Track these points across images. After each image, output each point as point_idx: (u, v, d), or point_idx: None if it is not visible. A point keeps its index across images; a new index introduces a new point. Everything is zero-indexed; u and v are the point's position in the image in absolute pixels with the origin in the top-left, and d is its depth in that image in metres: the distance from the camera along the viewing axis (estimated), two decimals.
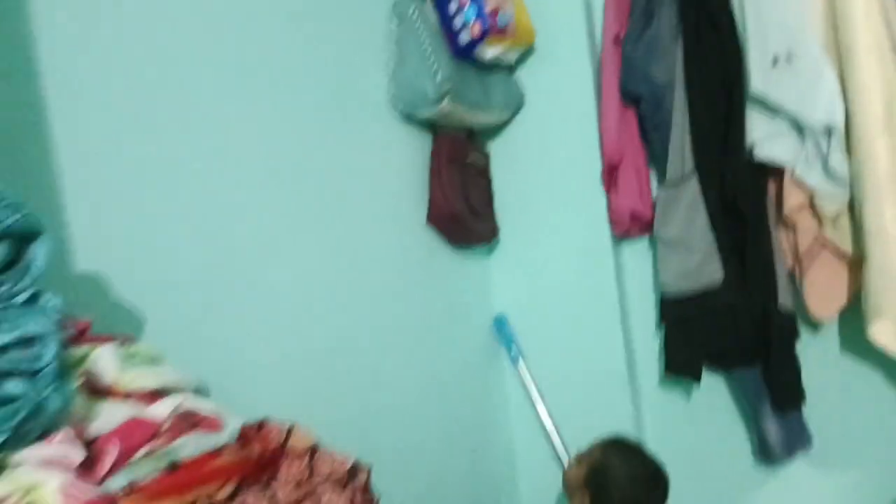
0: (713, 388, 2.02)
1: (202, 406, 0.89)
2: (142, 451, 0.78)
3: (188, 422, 0.85)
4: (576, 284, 2.09)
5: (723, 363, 1.94)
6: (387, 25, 1.92)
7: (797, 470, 1.94)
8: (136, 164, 1.25)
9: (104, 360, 0.89)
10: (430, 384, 1.92)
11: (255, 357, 1.40)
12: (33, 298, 0.84)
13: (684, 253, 1.88)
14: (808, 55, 1.71)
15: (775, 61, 1.74)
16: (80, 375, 0.84)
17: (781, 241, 1.85)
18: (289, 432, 0.91)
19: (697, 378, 1.93)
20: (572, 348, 2.10)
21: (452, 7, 1.89)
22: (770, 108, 1.75)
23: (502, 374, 2.21)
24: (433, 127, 2.02)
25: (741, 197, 1.83)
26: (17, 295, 0.83)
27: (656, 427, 2.06)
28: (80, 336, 0.89)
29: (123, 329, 1.08)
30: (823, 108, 1.69)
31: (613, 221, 2.03)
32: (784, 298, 1.81)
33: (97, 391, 0.87)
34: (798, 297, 1.83)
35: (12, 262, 0.85)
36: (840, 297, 1.79)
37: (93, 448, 0.77)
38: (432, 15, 1.92)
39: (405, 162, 1.94)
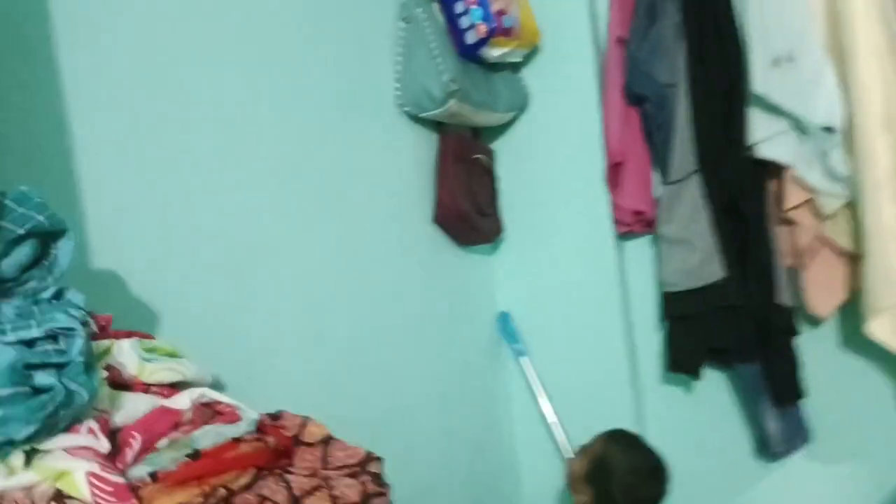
0: (714, 383, 2.05)
1: (221, 398, 0.92)
2: (164, 441, 0.82)
3: (208, 413, 0.88)
4: (579, 282, 2.12)
5: (723, 359, 1.97)
6: (394, 26, 1.93)
7: (796, 464, 1.97)
8: (152, 164, 1.27)
9: (125, 354, 0.92)
10: (435, 379, 1.94)
11: (264, 354, 1.42)
12: (58, 294, 0.87)
13: (686, 251, 1.90)
14: (809, 56, 1.74)
15: (777, 62, 1.76)
16: (103, 368, 0.87)
17: (782, 238, 1.87)
18: (303, 424, 0.94)
19: (698, 374, 1.96)
20: (575, 345, 2.13)
21: (459, 8, 1.91)
22: (771, 108, 1.77)
23: (506, 371, 2.23)
24: (439, 126, 2.04)
25: (742, 195, 1.85)
26: (42, 291, 0.87)
27: (658, 422, 2.09)
28: (102, 331, 0.93)
29: (140, 326, 1.11)
30: (824, 108, 1.72)
31: (616, 220, 2.05)
32: (784, 295, 1.83)
33: (119, 384, 0.90)
34: (798, 294, 1.86)
35: (37, 259, 0.89)
36: (839, 294, 1.82)
37: (117, 437, 0.80)
38: (439, 16, 1.94)
39: (411, 161, 1.96)
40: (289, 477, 0.85)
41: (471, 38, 1.91)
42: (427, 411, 1.89)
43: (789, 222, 1.85)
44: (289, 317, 1.50)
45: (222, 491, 0.77)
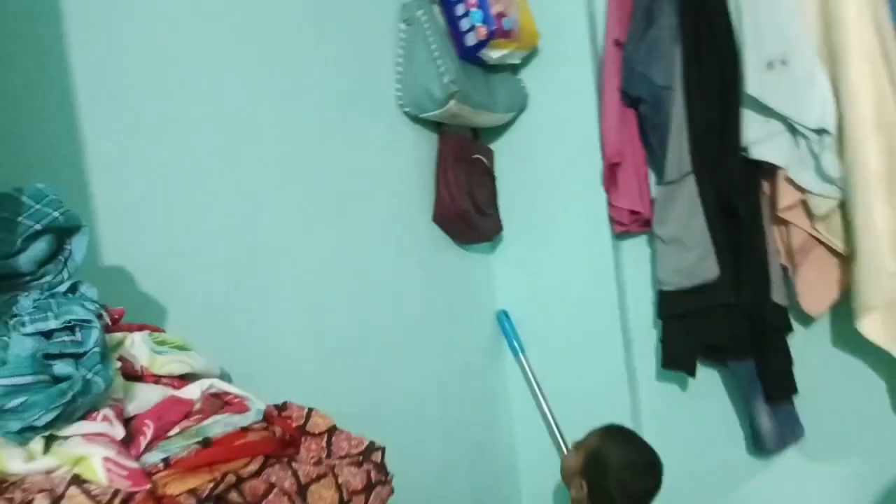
0: (708, 380, 2.07)
1: (229, 389, 0.95)
2: (176, 429, 0.85)
3: (217, 403, 0.91)
4: (576, 280, 2.14)
5: (718, 356, 1.99)
6: (394, 28, 1.95)
7: (789, 460, 2.00)
8: (158, 163, 1.29)
9: (137, 347, 0.95)
10: (434, 376, 1.96)
11: (264, 353, 1.43)
12: (73, 288, 0.91)
13: (681, 250, 1.93)
14: (802, 60, 1.76)
15: (770, 65, 1.78)
16: (116, 360, 0.90)
17: (775, 238, 1.90)
18: (308, 414, 0.97)
19: (693, 371, 1.98)
20: (572, 342, 2.15)
21: (459, 10, 1.93)
22: (765, 111, 1.80)
23: (504, 368, 2.25)
24: (439, 127, 2.06)
25: (736, 196, 1.87)
26: (58, 285, 0.90)
27: (653, 418, 2.11)
28: (115, 324, 0.96)
29: (148, 320, 1.14)
30: (816, 111, 1.74)
31: (613, 219, 2.07)
32: (777, 294, 1.86)
33: (131, 375, 0.93)
34: (791, 293, 1.88)
35: (53, 254, 0.92)
36: (831, 293, 1.84)
37: (131, 426, 0.83)
38: (440, 18, 1.96)
39: (412, 161, 1.98)
40: (295, 465, 0.88)
41: (471, 40, 1.93)
42: (426, 407, 1.91)
43: (783, 222, 1.88)
44: (288, 315, 1.52)
45: (232, 477, 0.80)
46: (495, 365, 2.23)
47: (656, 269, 2.02)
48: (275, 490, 0.83)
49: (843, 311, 1.83)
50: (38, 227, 0.89)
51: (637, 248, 2.14)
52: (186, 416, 0.87)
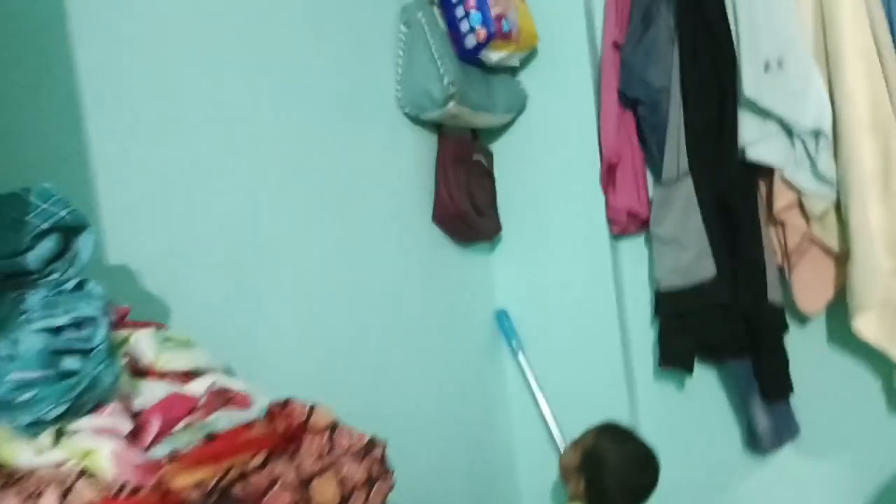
0: (705, 379, 2.09)
1: (233, 385, 0.97)
2: (181, 424, 0.86)
3: (222, 398, 0.93)
4: (575, 280, 2.15)
5: (714, 355, 2.00)
6: (394, 29, 1.96)
7: (785, 458, 2.01)
8: (159, 163, 1.29)
9: (143, 343, 0.96)
10: (433, 375, 1.96)
11: (264, 351, 1.44)
12: (80, 286, 0.92)
13: (678, 250, 1.94)
14: (798, 62, 1.77)
15: (767, 67, 1.79)
16: (122, 356, 0.92)
17: (771, 238, 1.90)
18: (311, 410, 0.98)
19: (690, 370, 1.99)
20: (571, 341, 2.16)
21: (459, 12, 1.94)
22: (761, 112, 1.81)
23: (503, 366, 2.26)
24: (439, 128, 2.07)
25: (733, 196, 1.88)
26: (65, 282, 0.92)
27: (650, 416, 2.12)
28: (121, 321, 0.97)
29: (150, 318, 1.15)
30: (812, 113, 1.75)
31: (611, 219, 2.09)
32: (773, 293, 1.86)
33: (137, 371, 0.94)
34: (787, 292, 1.89)
35: (60, 253, 0.94)
36: (827, 292, 1.85)
37: (138, 420, 0.85)
38: (440, 20, 1.97)
39: (411, 161, 1.99)
40: (298, 460, 0.90)
41: (470, 41, 1.94)
42: (425, 407, 1.91)
43: (779, 222, 1.89)
44: (288, 314, 1.52)
45: (236, 471, 0.82)
46: (494, 364, 2.24)
47: (653, 268, 2.03)
48: (278, 483, 0.84)
49: (839, 310, 1.84)
50: (45, 226, 0.90)
51: (635, 248, 2.15)
52: (191, 411, 0.88)
